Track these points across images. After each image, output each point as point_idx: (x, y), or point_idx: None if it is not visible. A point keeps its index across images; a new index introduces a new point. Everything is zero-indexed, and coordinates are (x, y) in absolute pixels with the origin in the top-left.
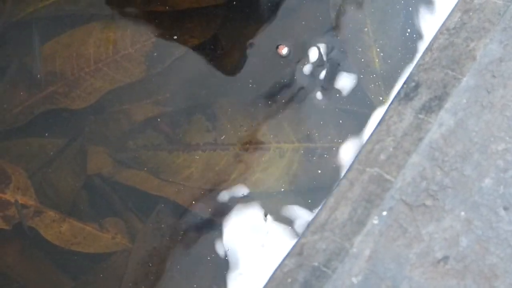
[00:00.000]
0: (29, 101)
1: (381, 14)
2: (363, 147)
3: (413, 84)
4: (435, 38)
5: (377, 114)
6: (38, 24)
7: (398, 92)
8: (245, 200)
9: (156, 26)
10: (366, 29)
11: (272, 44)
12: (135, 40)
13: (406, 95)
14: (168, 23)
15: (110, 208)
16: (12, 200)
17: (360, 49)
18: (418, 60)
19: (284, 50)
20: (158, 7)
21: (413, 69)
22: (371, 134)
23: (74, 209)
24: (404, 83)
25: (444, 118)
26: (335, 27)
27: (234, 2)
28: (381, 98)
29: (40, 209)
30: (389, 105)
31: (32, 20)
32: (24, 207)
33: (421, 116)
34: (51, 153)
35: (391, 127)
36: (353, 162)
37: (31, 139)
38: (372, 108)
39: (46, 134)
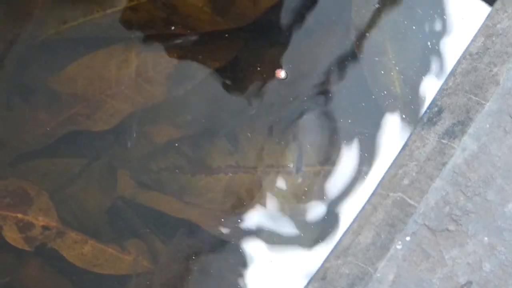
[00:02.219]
0: (52, 123)
1: (402, 38)
2: (386, 171)
3: (436, 109)
4: (458, 63)
5: (399, 139)
6: (60, 46)
7: (421, 117)
8: (267, 222)
9: (177, 49)
10: (386, 52)
11: (293, 68)
12: (156, 63)
13: (429, 120)
14: (190, 46)
15: (132, 230)
16: (34, 222)
17: (380, 72)
18: (441, 85)
19: (282, 73)
20: (179, 29)
21: (436, 94)
22: (394, 159)
23: (96, 230)
24: (427, 108)
25: (467, 143)
26: (356, 50)
27: (255, 26)
28: (402, 123)
29: (62, 230)
30: (412, 130)
31: (55, 42)
32: (46, 228)
33: (444, 141)
34: (74, 174)
35: (414, 152)
36: (376, 187)
37: (54, 160)
38: (393, 132)
39: (69, 156)
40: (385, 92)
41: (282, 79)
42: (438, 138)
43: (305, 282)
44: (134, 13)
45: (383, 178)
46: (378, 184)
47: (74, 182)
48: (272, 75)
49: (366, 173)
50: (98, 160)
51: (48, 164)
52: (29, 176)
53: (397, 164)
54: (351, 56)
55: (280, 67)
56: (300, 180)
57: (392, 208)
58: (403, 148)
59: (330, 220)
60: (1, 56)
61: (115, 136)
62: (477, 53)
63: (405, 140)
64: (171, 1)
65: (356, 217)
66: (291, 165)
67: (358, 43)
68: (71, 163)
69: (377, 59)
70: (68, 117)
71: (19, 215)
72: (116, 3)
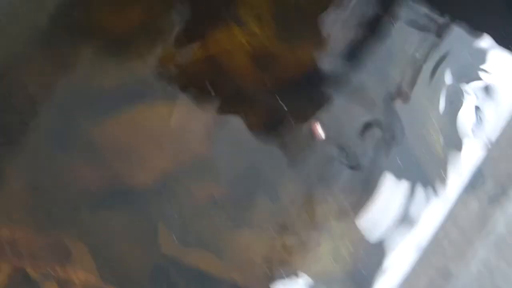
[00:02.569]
0: (92, 176)
1: (447, 102)
2: (429, 238)
3: (480, 175)
4: (503, 131)
5: (442, 204)
6: (103, 97)
7: (465, 183)
8: (307, 284)
9: (219, 105)
10: (430, 115)
11: (337, 125)
12: (199, 119)
13: (473, 187)
14: (232, 102)
15: None
16: (74, 277)
17: (424, 134)
18: (485, 152)
19: (321, 132)
20: (223, 86)
21: (480, 161)
22: (438, 226)
23: (136, 287)
24: (471, 174)
25: (511, 211)
26: (397, 111)
27: (298, 84)
28: (444, 187)
29: (101, 286)
30: (455, 196)
31: (97, 94)
32: (85, 284)
33: (487, 208)
34: (115, 231)
35: (457, 218)
36: (419, 254)
37: (95, 215)
38: (436, 197)
39: (110, 211)
40: (428, 156)
41: (322, 138)
42: (482, 205)
43: None
44: (178, 67)
45: (425, 244)
46: (421, 251)
47: (114, 240)
48: (313, 134)
49: (409, 239)
50: (140, 218)
51: (87, 220)
52: (69, 230)
53: (440, 230)
54: (395, 113)
55: (320, 126)
56: (339, 239)
57: (435, 276)
58: (446, 214)
59: (368, 286)
60: (44, 105)
61: (156, 193)
62: None
63: (449, 206)
64: (217, 58)
65: (399, 284)
66: (331, 225)
67: (402, 102)
68: (111, 220)
69: (420, 119)
70: (109, 170)
71: (59, 270)
72: (160, 58)
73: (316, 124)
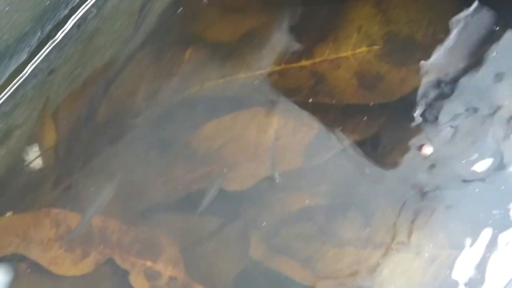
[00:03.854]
0: (187, 178)
1: None
2: None
3: None
4: None
5: None
6: (201, 103)
7: None
8: None
9: (319, 118)
10: None
11: (435, 150)
12: (297, 130)
13: None
14: (332, 116)
15: None
16: (162, 271)
17: None
18: None
19: (428, 150)
20: (324, 99)
21: None
22: None
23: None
24: None
25: None
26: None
27: (400, 103)
28: None
29: (188, 283)
30: None
31: (197, 99)
32: (173, 279)
33: None
34: (206, 233)
35: None
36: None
37: (186, 215)
38: None
39: (202, 212)
40: None
41: (426, 156)
42: None
43: None
44: (281, 77)
45: None
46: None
47: (205, 240)
48: (412, 155)
49: (500, 263)
50: (232, 222)
51: (179, 220)
52: (161, 227)
53: None
54: (496, 144)
55: (424, 144)
56: (429, 261)
57: None
58: None
59: None
60: (146, 108)
61: (250, 198)
62: None
63: None
64: (320, 70)
65: None
66: (422, 244)
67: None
68: (203, 221)
69: None
70: (203, 174)
71: (148, 263)
72: (263, 66)
73: (426, 145)
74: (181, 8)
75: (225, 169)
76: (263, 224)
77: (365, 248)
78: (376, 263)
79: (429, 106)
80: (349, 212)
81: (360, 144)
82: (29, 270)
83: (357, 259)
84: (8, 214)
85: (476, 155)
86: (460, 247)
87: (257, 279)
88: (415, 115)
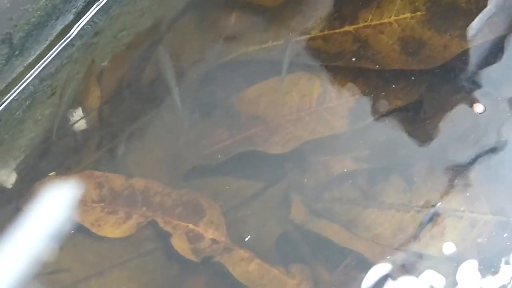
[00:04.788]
0: (229, 141)
1: None
2: None
3: None
4: None
5: None
6: (248, 66)
7: None
8: (431, 264)
9: (362, 83)
10: None
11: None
12: (339, 94)
13: None
14: (375, 81)
15: (298, 255)
16: (204, 234)
17: None
18: None
19: (479, 108)
20: (368, 64)
21: None
22: None
23: (263, 251)
24: None
25: None
26: None
27: (442, 69)
28: None
29: (230, 246)
30: None
31: (241, 62)
32: (215, 242)
33: None
34: (248, 196)
35: None
36: None
37: (228, 178)
38: None
39: (243, 177)
40: None
41: (480, 113)
42: None
43: None
44: (325, 42)
45: None
46: None
47: (246, 202)
48: (454, 120)
49: None
50: (274, 185)
51: (222, 183)
52: (202, 190)
53: None
54: None
55: (459, 112)
56: (469, 227)
57: None
58: None
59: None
60: (187, 74)
61: (291, 162)
62: None
63: None
64: (363, 36)
65: None
66: (462, 209)
67: None
68: (244, 184)
69: None
70: (246, 137)
71: (190, 226)
72: (307, 31)
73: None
74: None
75: (268, 132)
76: (305, 187)
77: (407, 212)
78: (418, 228)
79: (471, 72)
80: (391, 176)
81: (403, 109)
82: (72, 231)
83: (399, 223)
84: (51, 174)
85: None
86: (501, 213)
87: (298, 242)
88: (457, 81)
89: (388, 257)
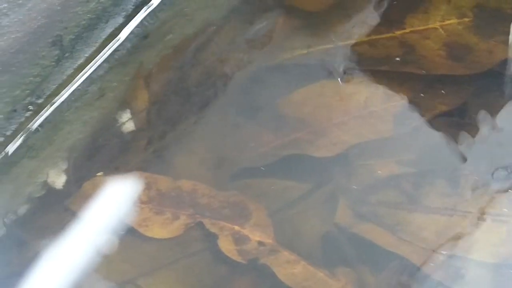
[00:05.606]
0: (276, 143)
1: None
2: None
3: None
4: None
5: None
6: (293, 69)
7: None
8: (477, 268)
9: (407, 88)
10: None
11: None
12: (385, 99)
13: None
14: (420, 86)
15: (343, 258)
16: (251, 236)
17: None
18: None
19: None
20: (413, 69)
21: None
22: None
23: (308, 254)
24: None
25: None
26: None
27: (488, 75)
28: None
29: (276, 248)
30: None
31: (287, 66)
32: (261, 244)
33: None
34: (293, 198)
35: None
36: None
37: (274, 180)
38: None
39: (289, 179)
40: None
41: None
42: None
43: None
44: (371, 47)
45: None
46: None
47: (292, 205)
48: (500, 125)
49: None
50: (319, 188)
51: (267, 184)
52: (248, 192)
53: None
54: None
55: (505, 118)
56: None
57: None
58: None
59: None
60: (235, 74)
61: (337, 165)
62: None
63: None
64: (409, 41)
65: None
66: (507, 214)
67: None
68: (290, 186)
69: None
70: (292, 140)
71: (236, 227)
72: (353, 35)
73: None
74: None
75: (313, 135)
76: (351, 190)
77: (451, 216)
78: (463, 231)
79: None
80: (436, 180)
81: (448, 114)
82: (121, 232)
83: (444, 227)
84: (99, 174)
85: None
86: None
87: (343, 245)
88: (502, 86)
89: (432, 261)
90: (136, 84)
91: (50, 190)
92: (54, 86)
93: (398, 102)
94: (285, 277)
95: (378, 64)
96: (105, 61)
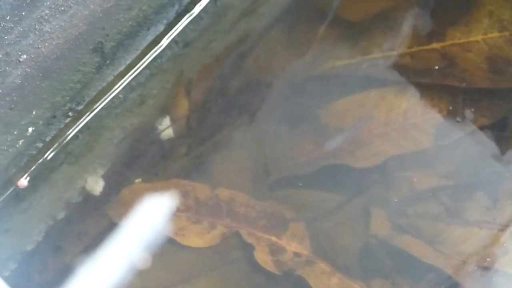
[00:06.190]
0: (315, 154)
1: None
2: None
3: None
4: None
5: None
6: (335, 80)
7: None
8: None
9: (448, 100)
10: None
11: None
12: (426, 111)
13: None
14: (461, 98)
15: (380, 270)
16: (287, 247)
17: None
18: None
19: None
20: (454, 82)
21: None
22: None
23: (344, 265)
24: None
25: None
26: None
27: None
28: None
29: (312, 259)
30: None
31: (329, 76)
32: (297, 255)
33: None
34: (331, 209)
35: None
36: None
37: (312, 190)
38: None
39: (327, 190)
40: None
41: None
42: None
43: None
44: (412, 59)
45: None
46: None
47: (329, 216)
48: None
49: None
50: (357, 198)
51: (305, 195)
52: (286, 202)
53: None
54: None
55: None
56: None
57: None
58: None
59: None
60: (277, 82)
61: (375, 176)
62: None
63: None
64: (450, 53)
65: None
66: None
67: None
68: (329, 197)
69: None
70: (332, 150)
71: (273, 238)
72: (395, 47)
73: None
74: None
75: (353, 146)
76: (389, 202)
77: (491, 230)
78: (502, 245)
79: None
80: (476, 193)
81: (488, 127)
82: (159, 239)
83: (483, 241)
84: (138, 181)
85: None
86: None
87: (381, 257)
88: None
89: (470, 275)
90: (176, 91)
91: (88, 196)
92: (94, 93)
93: (438, 114)
94: None
95: (419, 76)
96: (146, 68)
